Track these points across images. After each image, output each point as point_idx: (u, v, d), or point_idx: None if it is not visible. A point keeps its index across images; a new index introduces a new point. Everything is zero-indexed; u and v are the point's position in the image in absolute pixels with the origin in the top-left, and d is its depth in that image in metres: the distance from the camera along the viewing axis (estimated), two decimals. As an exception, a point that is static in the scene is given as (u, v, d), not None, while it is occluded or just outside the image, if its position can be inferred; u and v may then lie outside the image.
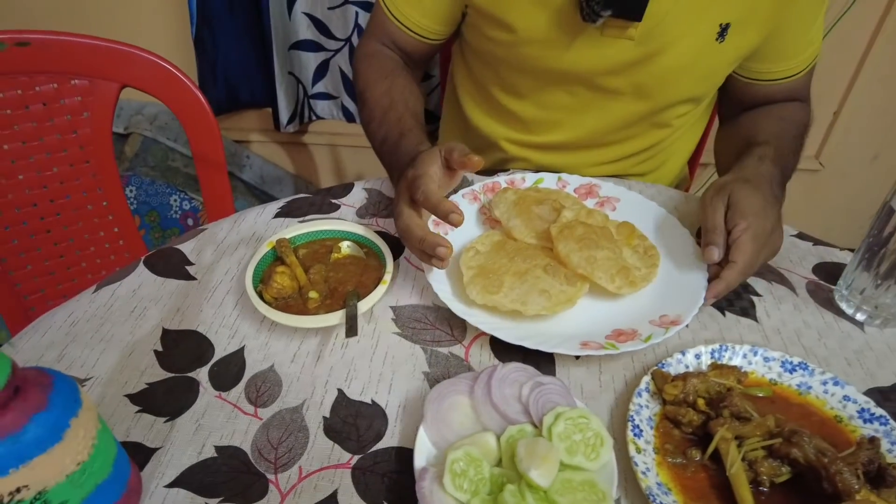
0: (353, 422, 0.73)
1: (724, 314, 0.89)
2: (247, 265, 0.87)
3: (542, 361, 0.80)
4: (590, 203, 1.03)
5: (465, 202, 1.03)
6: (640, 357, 0.81)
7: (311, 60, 1.80)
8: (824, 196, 2.07)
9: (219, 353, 0.81)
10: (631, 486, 0.67)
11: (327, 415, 0.74)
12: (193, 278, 0.93)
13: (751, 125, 1.14)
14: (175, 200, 1.92)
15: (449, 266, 0.82)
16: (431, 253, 0.79)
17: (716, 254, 0.85)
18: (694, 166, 1.44)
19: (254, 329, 0.85)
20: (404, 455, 0.69)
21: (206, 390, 0.77)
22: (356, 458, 0.69)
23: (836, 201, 1.90)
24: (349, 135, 2.07)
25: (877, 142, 2.09)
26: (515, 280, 0.84)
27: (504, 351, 0.82)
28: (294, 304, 0.83)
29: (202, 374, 0.79)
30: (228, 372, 0.79)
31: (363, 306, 0.80)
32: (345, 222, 0.94)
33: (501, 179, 1.07)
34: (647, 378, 0.75)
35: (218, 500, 0.65)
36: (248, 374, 0.79)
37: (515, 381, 0.71)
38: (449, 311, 0.83)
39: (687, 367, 0.78)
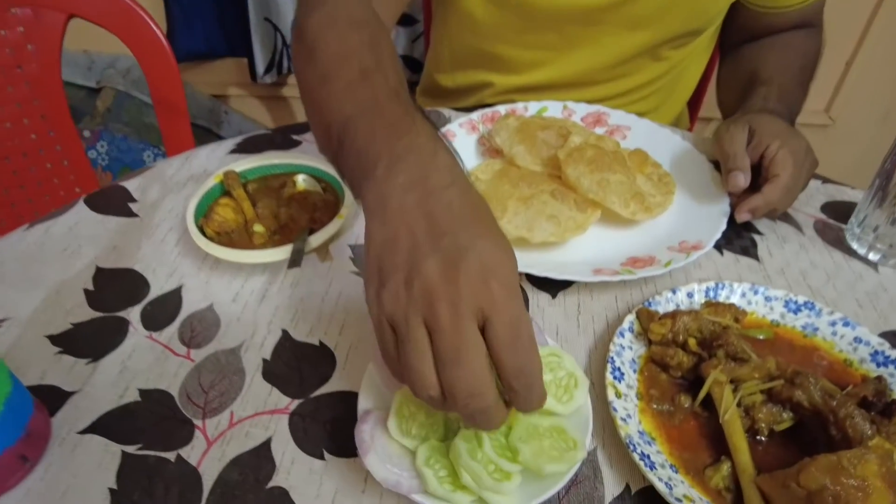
0: (296, 365, 0.64)
1: (721, 253, 0.79)
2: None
3: (515, 301, 0.71)
4: (598, 132, 0.94)
5: (463, 132, 0.93)
6: (624, 297, 0.72)
7: (288, 7, 1.69)
8: (834, 152, 1.96)
9: (154, 292, 0.73)
10: (609, 436, 0.58)
11: (268, 357, 0.65)
12: (135, 216, 0.85)
13: (754, 58, 1.03)
14: (148, 156, 1.83)
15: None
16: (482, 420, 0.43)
17: (741, 179, 0.76)
18: (695, 111, 1.33)
19: (194, 267, 0.76)
20: (351, 400, 0.61)
21: (136, 330, 0.68)
22: (296, 402, 0.61)
23: (846, 159, 1.79)
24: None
25: (888, 98, 1.97)
26: (520, 205, 0.75)
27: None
28: (239, 239, 0.75)
29: (133, 314, 0.70)
30: (163, 311, 0.71)
31: (314, 241, 0.71)
32: (302, 156, 0.85)
33: (501, 109, 0.97)
34: (630, 317, 0.66)
35: (135, 446, 0.57)
36: (184, 313, 0.70)
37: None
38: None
39: (678, 305, 0.69)
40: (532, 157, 0.85)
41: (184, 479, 0.55)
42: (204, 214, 0.78)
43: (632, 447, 0.54)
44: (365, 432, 0.52)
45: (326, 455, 0.57)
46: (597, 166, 0.78)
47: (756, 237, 0.82)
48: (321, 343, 0.67)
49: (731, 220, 0.78)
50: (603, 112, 0.97)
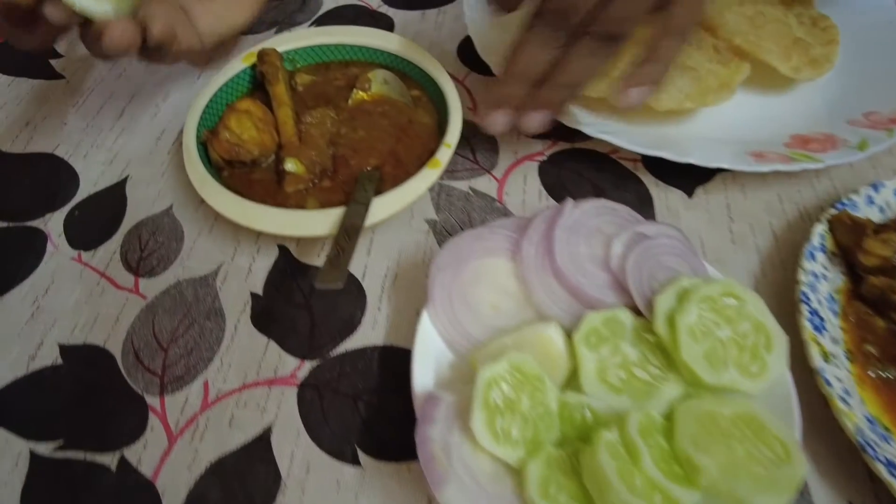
0: (303, 302, 0.41)
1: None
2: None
3: (629, 203, 0.47)
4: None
5: None
6: (790, 195, 0.48)
7: None
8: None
9: (86, 190, 0.49)
10: (816, 426, 0.36)
11: (259, 291, 0.42)
12: (59, 76, 0.58)
13: None
14: None
15: (505, 38, 0.46)
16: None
17: None
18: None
19: (145, 150, 0.51)
20: (393, 361, 0.39)
21: (58, 249, 0.45)
22: (307, 365, 0.38)
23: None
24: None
25: None
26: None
27: (565, 185, 0.48)
28: (260, 178, 0.46)
29: (53, 223, 0.46)
30: (98, 218, 0.47)
31: (383, 207, 0.41)
32: (389, 35, 0.54)
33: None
34: (820, 227, 0.42)
35: (53, 444, 0.35)
36: (130, 221, 0.46)
37: (597, 231, 0.39)
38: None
39: (882, 210, 0.45)
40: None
41: (130, 497, 0.34)
42: (213, 125, 0.47)
43: (867, 447, 0.33)
44: (433, 441, 0.30)
45: (362, 456, 0.35)
46: (749, -4, 0.51)
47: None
48: (341, 268, 0.43)
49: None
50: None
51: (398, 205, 0.41)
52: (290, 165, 0.43)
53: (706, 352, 0.34)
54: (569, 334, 0.36)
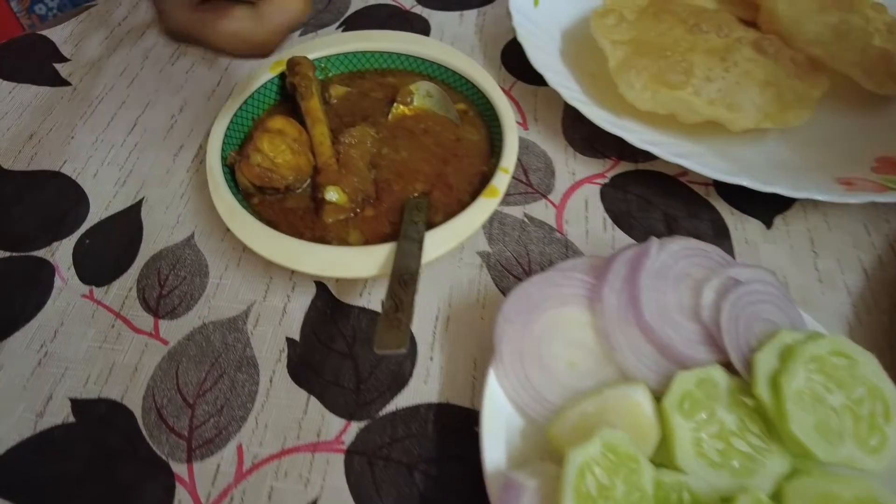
0: (346, 350, 0.37)
1: None
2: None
3: (703, 235, 0.42)
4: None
5: None
6: (878, 224, 0.43)
7: None
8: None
9: (97, 214, 0.44)
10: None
11: (295, 336, 0.37)
12: (65, 83, 0.53)
13: None
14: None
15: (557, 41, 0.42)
16: None
17: None
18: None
19: (162, 167, 0.46)
20: (451, 422, 0.34)
21: (67, 284, 0.40)
22: (354, 426, 0.34)
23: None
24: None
25: None
26: (714, 62, 0.43)
27: (632, 213, 0.43)
28: (294, 205, 0.40)
29: (61, 253, 0.42)
30: (111, 248, 0.42)
31: (434, 247, 0.36)
32: (430, 41, 0.49)
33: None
34: (925, 267, 0.38)
35: (66, 520, 0.31)
36: (147, 252, 0.41)
37: (685, 276, 0.34)
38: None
39: None
40: (700, -17, 0.52)
41: (158, 590, 0.29)
42: (239, 144, 0.43)
43: None
44: (519, 541, 0.25)
45: (422, 539, 0.30)
46: (831, 0, 0.46)
47: None
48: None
49: None
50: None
51: (453, 241, 0.36)
52: (332, 195, 0.38)
53: (817, 422, 0.30)
54: (656, 396, 0.31)
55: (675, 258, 0.34)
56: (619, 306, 0.33)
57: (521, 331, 0.33)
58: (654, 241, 0.34)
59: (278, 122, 0.40)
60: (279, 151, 0.38)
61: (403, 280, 0.32)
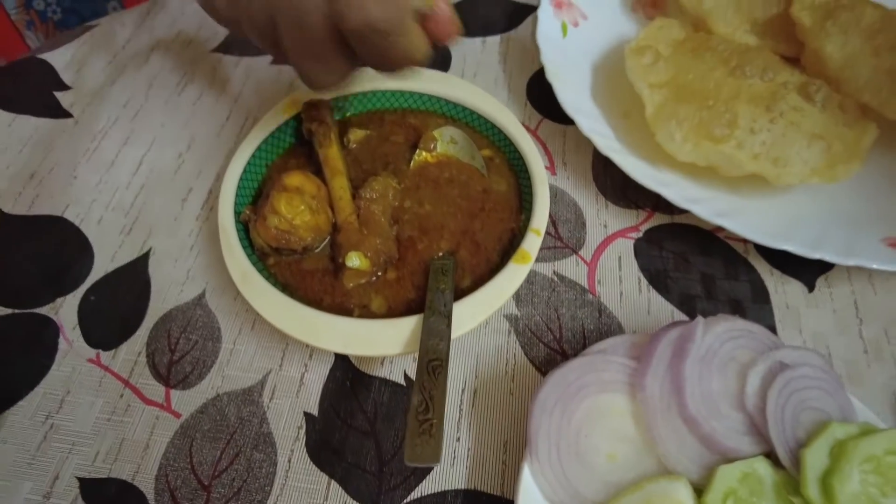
0: (368, 428, 0.35)
1: None
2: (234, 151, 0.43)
3: (742, 298, 0.40)
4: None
5: None
6: (925, 285, 0.41)
7: None
8: None
9: (102, 266, 0.41)
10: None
11: (314, 410, 0.35)
12: (67, 115, 0.50)
13: None
14: (115, 7, 1.41)
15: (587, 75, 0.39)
16: None
17: None
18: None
19: (169, 215, 0.44)
20: (483, 514, 0.32)
21: (73, 346, 0.38)
22: (379, 518, 0.32)
23: None
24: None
25: None
26: (759, 112, 0.41)
27: (668, 272, 0.41)
28: (313, 264, 0.38)
29: (66, 311, 0.39)
30: (118, 306, 0.40)
31: (462, 322, 0.33)
32: (454, 79, 0.46)
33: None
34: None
35: None
36: (156, 311, 0.39)
37: (730, 360, 0.32)
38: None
39: None
40: (740, 16, 0.49)
41: None
42: (253, 197, 0.40)
43: None
44: None
45: None
46: (886, 43, 0.43)
47: None
48: (407, 378, 0.37)
49: None
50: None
51: (482, 314, 0.34)
52: (354, 261, 0.36)
53: (874, 530, 0.28)
54: (697, 489, 0.30)
55: (721, 341, 0.32)
56: (662, 395, 0.31)
57: (558, 421, 0.31)
58: (699, 323, 0.32)
59: (296, 179, 0.37)
60: (297, 212, 0.36)
61: (432, 367, 0.30)
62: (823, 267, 0.41)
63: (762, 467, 0.30)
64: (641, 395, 0.31)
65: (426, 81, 0.45)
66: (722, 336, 0.32)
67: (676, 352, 0.32)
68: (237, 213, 0.38)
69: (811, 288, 0.40)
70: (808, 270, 0.41)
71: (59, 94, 0.52)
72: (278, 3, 0.29)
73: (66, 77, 0.53)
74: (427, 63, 0.31)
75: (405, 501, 0.32)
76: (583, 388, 0.31)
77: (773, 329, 0.38)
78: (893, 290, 0.41)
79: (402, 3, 0.28)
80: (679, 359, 0.31)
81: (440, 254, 0.38)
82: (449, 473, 0.33)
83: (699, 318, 0.32)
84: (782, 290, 0.40)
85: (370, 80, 0.45)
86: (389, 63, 0.31)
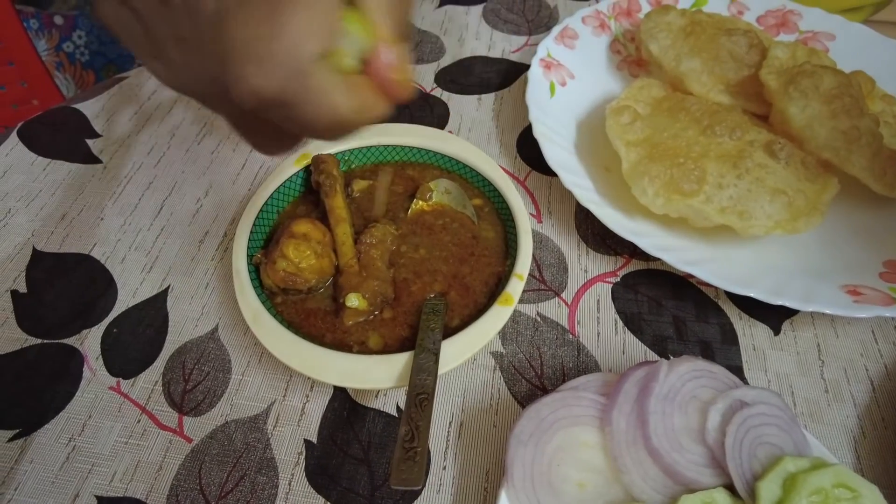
0: (362, 456, 0.38)
1: None
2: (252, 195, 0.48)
3: (711, 340, 0.43)
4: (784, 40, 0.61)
5: (587, 31, 0.61)
6: (887, 332, 0.44)
7: None
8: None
9: (125, 301, 0.45)
10: None
11: (313, 438, 0.39)
12: (97, 161, 0.55)
13: None
14: (136, 49, 1.48)
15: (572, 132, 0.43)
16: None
17: None
18: None
19: (187, 256, 0.48)
20: (465, 537, 0.35)
21: (96, 375, 0.42)
22: (369, 539, 0.35)
23: None
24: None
25: None
26: (726, 169, 0.45)
27: (643, 315, 0.44)
28: (316, 304, 0.42)
29: (90, 342, 0.43)
30: (138, 338, 0.43)
31: (449, 359, 0.37)
32: (450, 136, 0.50)
33: (645, -2, 0.64)
34: (929, 385, 0.39)
35: None
36: (173, 343, 0.43)
37: (692, 398, 0.35)
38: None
39: None
40: (713, 78, 0.53)
41: None
42: (264, 241, 0.45)
43: None
44: None
45: None
46: (841, 107, 0.47)
47: None
48: (399, 410, 0.40)
49: None
50: (791, 10, 0.64)
51: (468, 352, 0.38)
52: (353, 301, 0.40)
53: (821, 559, 0.30)
54: (660, 518, 0.32)
55: (683, 380, 0.35)
56: (628, 429, 0.34)
57: (532, 452, 0.34)
58: (663, 365, 0.35)
59: (303, 226, 0.41)
60: (304, 257, 0.40)
61: (420, 400, 0.34)
62: (789, 312, 0.44)
63: (721, 498, 0.33)
64: (609, 428, 0.34)
65: (424, 138, 0.50)
66: (684, 376, 0.36)
67: (642, 390, 0.35)
68: (250, 257, 0.42)
69: (777, 331, 0.44)
70: (774, 315, 0.44)
71: (90, 142, 0.57)
72: (203, 85, 0.27)
73: (97, 125, 0.58)
74: (378, 121, 0.26)
75: (394, 524, 0.35)
76: (556, 421, 0.34)
77: (740, 369, 0.42)
78: (854, 334, 0.44)
79: (293, 63, 0.22)
80: (644, 396, 0.34)
81: (432, 295, 0.42)
82: (435, 499, 0.36)
83: (663, 360, 0.36)
84: (750, 332, 0.43)
85: (373, 136, 0.50)
86: (317, 132, 0.26)
